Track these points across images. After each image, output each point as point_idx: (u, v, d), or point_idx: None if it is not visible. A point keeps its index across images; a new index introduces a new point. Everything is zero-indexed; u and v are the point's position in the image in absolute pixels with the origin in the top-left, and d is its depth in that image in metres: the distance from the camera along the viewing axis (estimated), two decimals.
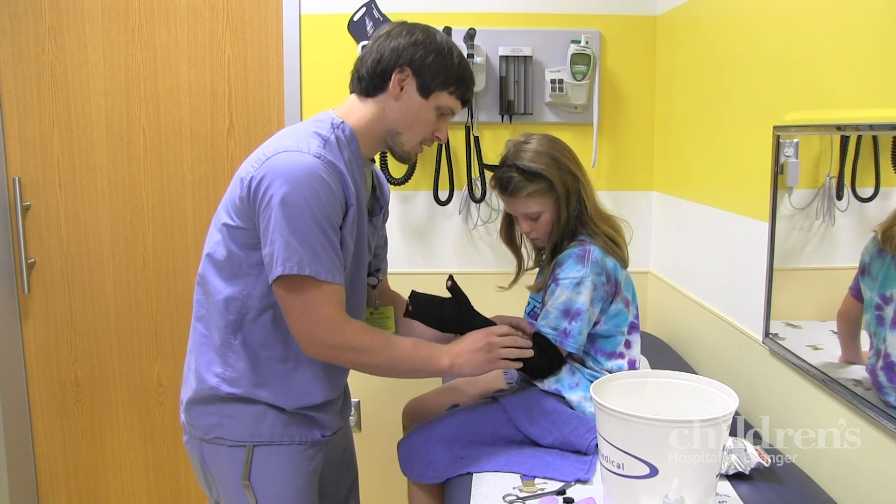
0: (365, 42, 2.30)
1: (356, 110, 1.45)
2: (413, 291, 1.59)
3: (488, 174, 1.86)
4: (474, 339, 1.49)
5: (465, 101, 1.49)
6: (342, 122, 1.43)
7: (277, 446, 1.43)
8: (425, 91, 1.42)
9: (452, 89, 1.44)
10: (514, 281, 1.83)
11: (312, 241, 1.29)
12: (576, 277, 1.59)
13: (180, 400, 1.50)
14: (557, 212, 1.64)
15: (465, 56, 1.47)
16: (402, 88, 1.41)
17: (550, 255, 1.67)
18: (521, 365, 1.55)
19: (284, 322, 1.37)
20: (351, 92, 1.49)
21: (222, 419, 1.42)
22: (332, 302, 1.33)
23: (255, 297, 1.39)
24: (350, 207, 1.37)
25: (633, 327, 1.70)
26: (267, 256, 1.31)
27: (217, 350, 1.42)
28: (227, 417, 1.42)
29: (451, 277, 1.58)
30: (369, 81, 1.43)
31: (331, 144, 1.37)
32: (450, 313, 1.59)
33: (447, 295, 1.59)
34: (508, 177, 1.64)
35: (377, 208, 1.58)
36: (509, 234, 1.81)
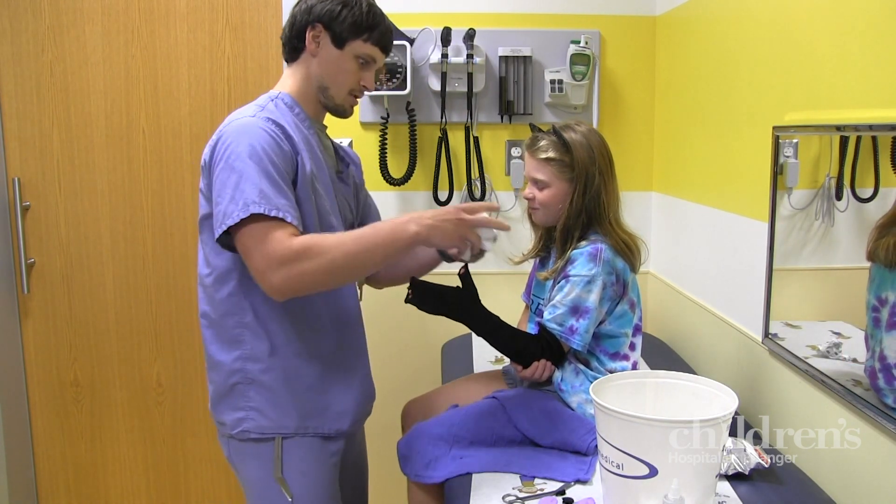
0: None
1: (288, 78, 1.51)
2: (413, 278, 1.57)
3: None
4: (444, 209, 1.37)
5: (384, 48, 1.51)
6: (279, 92, 1.48)
7: (301, 437, 1.45)
8: (339, 41, 1.46)
9: (366, 37, 1.46)
10: (523, 259, 1.86)
11: (256, 182, 1.29)
12: (587, 276, 1.59)
13: (209, 406, 1.52)
14: (571, 195, 1.65)
15: (374, 3, 1.50)
16: (317, 44, 1.46)
17: (561, 242, 1.68)
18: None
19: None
20: (285, 64, 1.54)
21: (248, 413, 1.43)
22: (282, 231, 1.28)
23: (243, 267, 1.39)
24: (298, 154, 1.39)
25: (637, 329, 1.70)
26: (215, 218, 1.33)
27: (230, 333, 1.43)
28: (253, 411, 1.43)
29: (465, 265, 1.57)
30: (289, 45, 1.49)
31: (268, 110, 1.41)
32: (451, 301, 1.56)
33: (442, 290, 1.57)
34: (542, 137, 1.68)
35: (343, 166, 1.60)
36: None
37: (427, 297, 1.54)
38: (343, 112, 1.54)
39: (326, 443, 1.49)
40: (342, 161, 1.61)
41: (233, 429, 1.45)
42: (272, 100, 1.46)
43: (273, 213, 1.28)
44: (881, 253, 1.24)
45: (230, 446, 1.48)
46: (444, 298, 1.55)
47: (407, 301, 1.54)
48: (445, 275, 1.72)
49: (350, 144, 2.08)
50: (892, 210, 1.24)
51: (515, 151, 2.45)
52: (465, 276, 1.57)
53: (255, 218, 1.28)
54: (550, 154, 1.66)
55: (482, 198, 2.46)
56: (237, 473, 1.51)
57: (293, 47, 1.49)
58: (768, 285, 1.64)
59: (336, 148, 1.61)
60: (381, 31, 1.49)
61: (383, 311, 2.25)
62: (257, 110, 1.40)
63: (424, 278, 1.58)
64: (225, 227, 1.30)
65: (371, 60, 1.50)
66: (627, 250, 1.66)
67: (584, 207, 1.65)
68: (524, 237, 1.89)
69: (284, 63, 1.53)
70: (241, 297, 1.41)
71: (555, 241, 1.74)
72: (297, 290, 1.32)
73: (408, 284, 1.54)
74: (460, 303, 1.57)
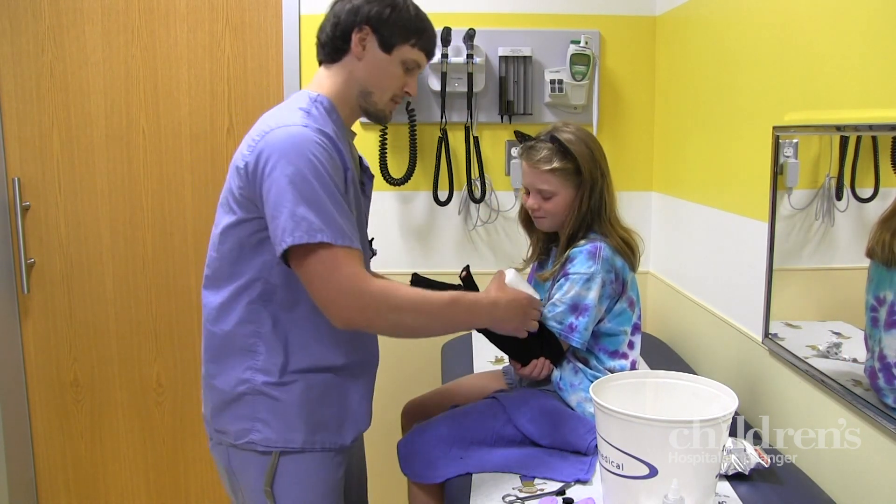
0: None
1: (326, 80, 1.44)
2: (414, 274, 1.57)
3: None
4: (519, 301, 1.46)
5: (429, 53, 1.47)
6: (318, 94, 1.41)
7: (310, 453, 1.40)
8: (387, 46, 1.40)
9: (414, 41, 1.42)
10: (528, 265, 1.84)
11: (322, 205, 1.24)
12: (586, 273, 1.59)
13: (203, 414, 1.47)
14: (578, 200, 1.64)
15: (418, 7, 1.45)
16: (363, 47, 1.40)
17: (565, 246, 1.67)
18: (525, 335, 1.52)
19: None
20: (319, 64, 1.47)
21: (255, 423, 1.38)
22: (352, 264, 1.27)
23: (276, 277, 1.35)
24: (347, 171, 1.35)
25: (636, 328, 1.70)
26: (273, 232, 1.26)
27: (243, 342, 1.38)
28: (259, 422, 1.37)
29: (466, 268, 1.57)
30: (331, 46, 1.42)
31: (313, 116, 1.35)
32: None
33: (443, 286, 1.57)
34: (540, 146, 1.65)
35: (366, 179, 1.56)
36: (528, 216, 1.80)
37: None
38: (384, 118, 1.48)
39: (334, 456, 1.44)
40: (365, 172, 1.56)
41: (237, 438, 1.39)
42: (313, 102, 1.38)
43: (340, 242, 1.25)
44: (878, 249, 1.24)
45: (231, 455, 1.42)
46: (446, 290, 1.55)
47: None
48: (446, 274, 1.72)
49: None
50: (894, 205, 1.23)
51: (515, 151, 2.45)
52: (467, 278, 1.57)
53: (322, 244, 1.24)
54: (555, 164, 1.63)
55: (482, 198, 2.46)
56: (236, 482, 1.44)
57: (335, 48, 1.42)
58: (768, 285, 1.64)
59: (360, 158, 1.56)
60: (429, 36, 1.45)
61: None
62: (305, 117, 1.32)
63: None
64: (286, 246, 1.24)
65: (416, 66, 1.45)
66: (627, 249, 1.66)
67: (590, 208, 1.65)
68: (524, 237, 1.89)
69: (322, 65, 1.46)
70: (261, 307, 1.36)
71: (556, 242, 1.74)
72: (361, 329, 1.34)
73: (409, 281, 1.54)
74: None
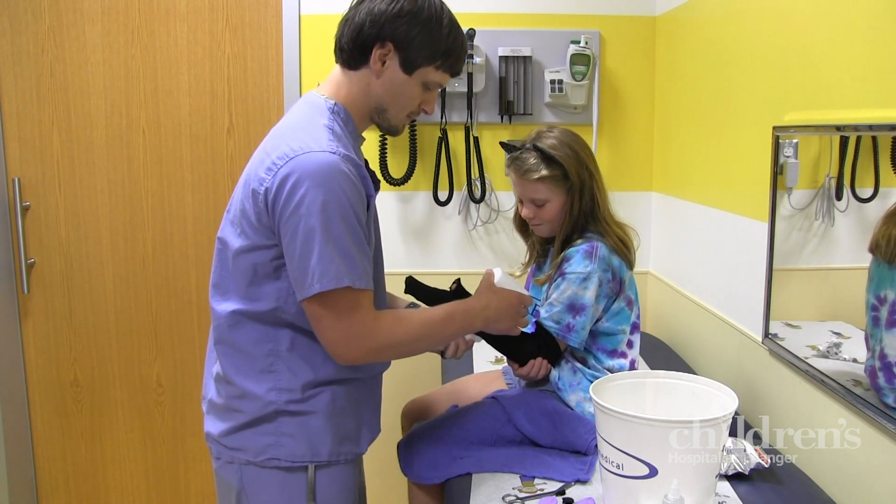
0: None
1: (343, 86, 1.35)
2: (408, 277, 1.57)
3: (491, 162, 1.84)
4: (509, 301, 1.45)
5: (455, 74, 1.39)
6: (335, 103, 1.33)
7: (335, 466, 1.37)
8: (409, 67, 1.31)
9: (439, 63, 1.32)
10: (524, 270, 1.84)
11: (347, 248, 1.21)
12: (583, 273, 1.59)
13: (207, 433, 1.42)
14: (570, 203, 1.65)
15: (455, 22, 1.34)
16: (383, 64, 1.30)
17: (560, 248, 1.67)
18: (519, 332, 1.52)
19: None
20: (336, 61, 1.38)
21: (280, 438, 1.32)
22: (363, 307, 1.25)
23: (293, 305, 1.30)
24: (371, 199, 1.30)
25: (635, 327, 1.70)
26: (298, 271, 1.22)
27: (260, 363, 1.32)
28: (284, 436, 1.32)
29: (457, 281, 1.56)
30: (350, 54, 1.33)
31: (336, 134, 1.28)
32: (447, 300, 1.52)
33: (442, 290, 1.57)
34: (525, 157, 1.65)
35: (375, 183, 1.51)
36: (523, 222, 1.80)
37: (422, 297, 1.55)
38: (396, 131, 1.42)
39: (353, 467, 1.43)
40: (372, 177, 1.49)
41: (257, 455, 1.33)
42: (332, 114, 1.32)
43: (359, 286, 1.22)
44: (882, 244, 1.23)
45: (245, 473, 1.35)
46: (439, 297, 1.55)
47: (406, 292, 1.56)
48: (446, 274, 1.72)
49: None
50: None
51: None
52: (458, 290, 1.55)
53: (343, 287, 1.21)
54: (543, 173, 1.63)
55: (482, 198, 2.46)
56: (247, 501, 1.37)
57: (354, 58, 1.32)
58: (768, 285, 1.64)
59: (365, 162, 1.50)
60: (457, 58, 1.35)
61: None
62: (330, 138, 1.25)
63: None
64: (314, 293, 1.20)
65: (437, 86, 1.37)
66: (623, 247, 1.66)
67: (581, 209, 1.65)
68: None
69: (339, 66, 1.37)
70: (277, 328, 1.31)
71: (552, 244, 1.74)
72: (365, 363, 1.35)
73: (405, 282, 1.56)
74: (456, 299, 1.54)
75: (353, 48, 1.31)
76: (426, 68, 1.32)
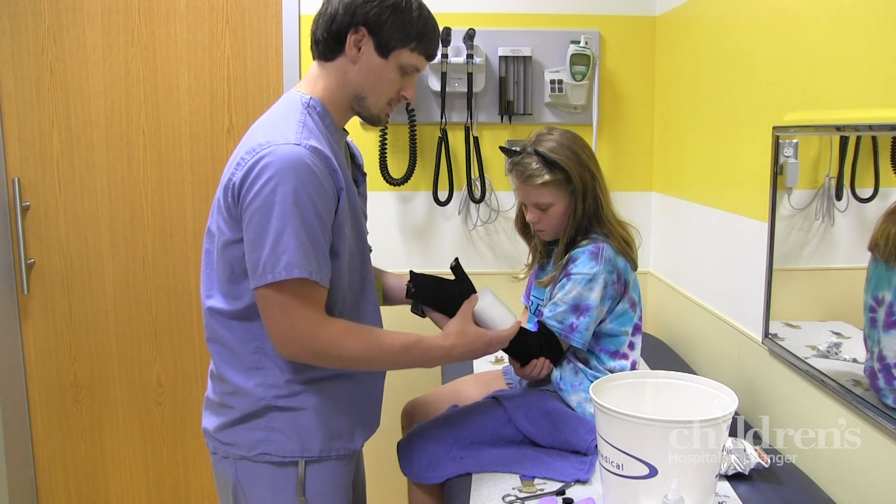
0: None
1: (320, 80, 1.37)
2: (412, 272, 1.57)
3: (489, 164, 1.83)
4: (476, 345, 1.47)
5: (430, 57, 1.39)
6: (310, 98, 1.35)
7: (326, 462, 1.38)
8: (384, 50, 1.33)
9: (413, 45, 1.34)
10: (528, 273, 1.84)
11: (303, 240, 1.22)
12: (589, 274, 1.59)
13: (204, 428, 1.45)
14: (573, 206, 1.64)
15: (425, 6, 1.36)
16: (359, 49, 1.32)
17: (564, 250, 1.67)
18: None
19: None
20: (313, 58, 1.40)
21: (270, 433, 1.35)
22: (312, 303, 1.26)
23: None
24: (341, 192, 1.30)
25: (637, 329, 1.70)
26: (251, 260, 1.24)
27: (248, 359, 1.35)
28: (275, 431, 1.35)
29: (456, 259, 1.56)
30: (325, 45, 1.35)
31: (308, 127, 1.29)
32: (450, 294, 1.55)
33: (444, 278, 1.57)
34: (527, 162, 1.64)
35: (360, 177, 1.52)
36: (524, 225, 1.80)
37: (427, 291, 1.54)
38: (378, 121, 1.43)
39: (347, 463, 1.43)
40: (358, 170, 1.53)
41: (249, 450, 1.36)
42: (306, 108, 1.33)
43: (313, 278, 1.24)
44: (881, 242, 1.23)
45: (240, 468, 1.38)
46: (443, 288, 1.54)
47: (407, 296, 1.55)
48: (446, 275, 1.72)
49: None
50: None
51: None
52: (456, 268, 1.56)
53: (294, 278, 1.23)
54: (546, 178, 1.62)
55: (482, 198, 2.46)
56: (243, 497, 1.40)
57: (329, 47, 1.34)
58: (768, 285, 1.64)
59: (352, 156, 1.51)
60: (430, 40, 1.37)
61: (383, 311, 2.25)
62: (300, 130, 1.27)
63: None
64: (267, 282, 1.23)
65: (415, 70, 1.38)
66: (628, 248, 1.66)
67: (585, 211, 1.65)
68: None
69: (315, 61, 1.39)
70: (260, 325, 1.32)
71: (555, 244, 1.73)
72: (307, 363, 1.34)
73: (408, 279, 1.55)
74: (460, 296, 1.53)
75: (328, 38, 1.34)
76: (401, 50, 1.34)
